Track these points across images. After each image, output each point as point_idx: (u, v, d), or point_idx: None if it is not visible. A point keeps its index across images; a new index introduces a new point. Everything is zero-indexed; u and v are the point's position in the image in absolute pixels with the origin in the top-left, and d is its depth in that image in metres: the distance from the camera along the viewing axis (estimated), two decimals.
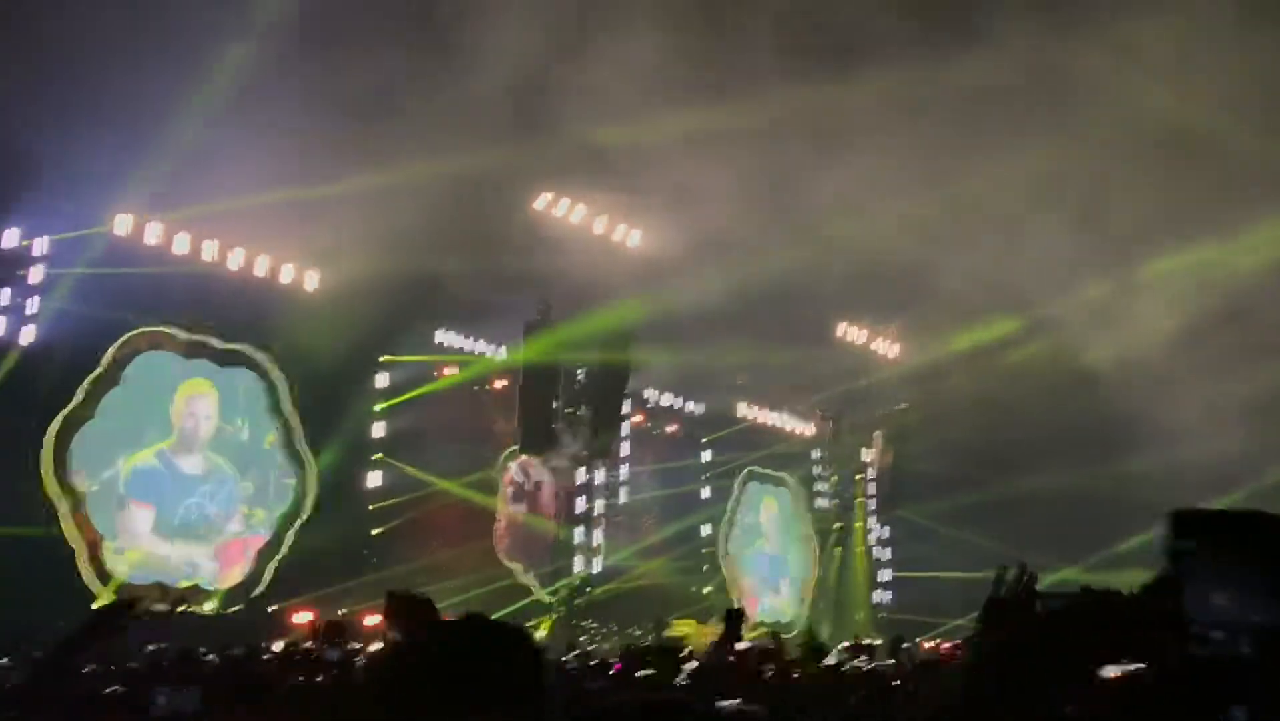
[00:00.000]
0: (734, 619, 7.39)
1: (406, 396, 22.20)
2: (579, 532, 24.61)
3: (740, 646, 7.32)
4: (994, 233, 21.34)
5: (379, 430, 22.12)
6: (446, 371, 23.33)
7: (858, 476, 32.30)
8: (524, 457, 24.19)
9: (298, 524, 20.46)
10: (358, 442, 21.61)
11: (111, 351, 18.32)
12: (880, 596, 31.76)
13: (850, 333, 29.79)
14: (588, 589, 24.13)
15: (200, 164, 16.31)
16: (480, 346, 23.70)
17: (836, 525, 31.77)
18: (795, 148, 20.00)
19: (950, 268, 22.72)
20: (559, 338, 22.53)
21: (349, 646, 8.24)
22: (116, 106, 15.34)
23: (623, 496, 26.19)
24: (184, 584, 18.92)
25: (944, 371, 26.57)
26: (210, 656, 9.22)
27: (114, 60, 15.01)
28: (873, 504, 32.43)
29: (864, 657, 10.22)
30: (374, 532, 21.60)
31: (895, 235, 22.16)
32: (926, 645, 18.71)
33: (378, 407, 22.09)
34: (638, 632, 22.64)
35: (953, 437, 27.14)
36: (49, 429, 17.39)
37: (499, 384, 23.96)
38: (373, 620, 17.87)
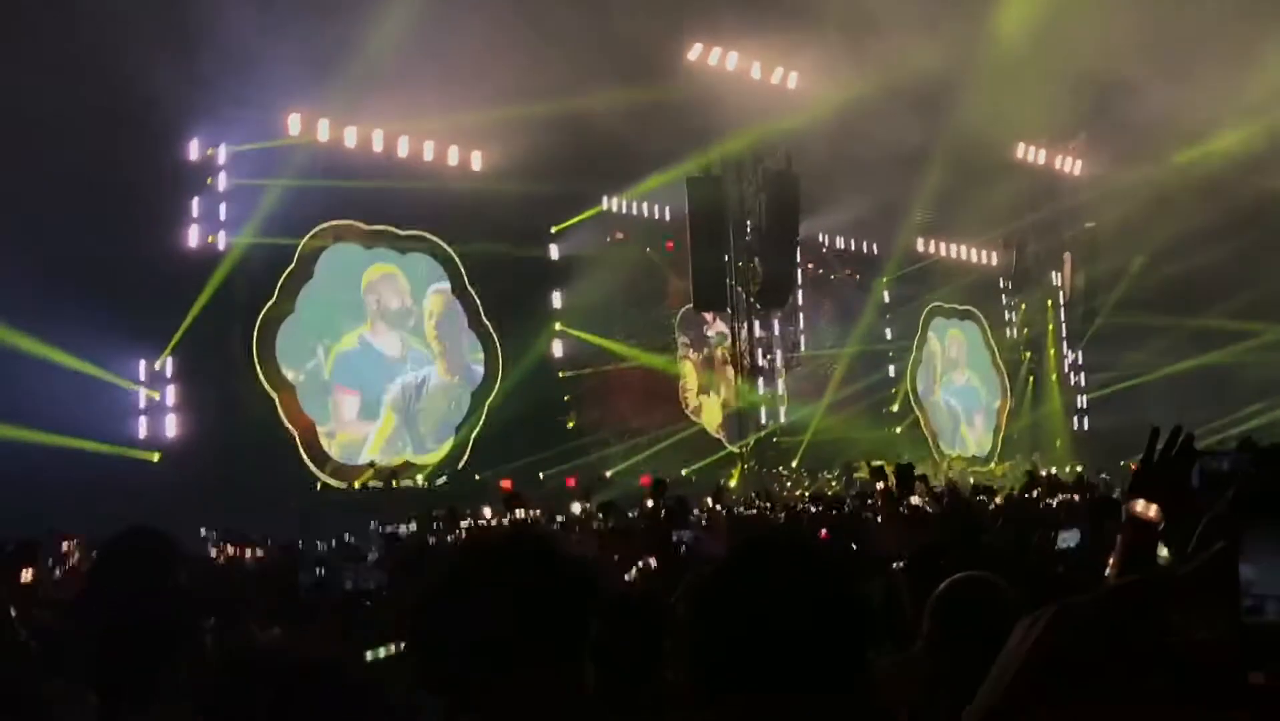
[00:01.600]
0: (904, 476, 7.17)
1: (580, 256, 22.47)
2: (762, 384, 24.71)
3: (915, 501, 7.18)
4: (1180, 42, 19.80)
5: (557, 300, 22.57)
6: (618, 236, 23.48)
7: (1048, 302, 31.18)
8: (702, 315, 24.27)
9: (491, 396, 21.25)
10: (539, 313, 22.14)
11: (299, 249, 19.17)
12: (1079, 422, 30.94)
13: (1030, 153, 28.38)
14: (775, 438, 24.33)
15: (361, 59, 16.58)
16: (648, 209, 23.67)
17: (1028, 354, 30.90)
18: None
19: (1134, 79, 21.24)
20: (725, 190, 22.29)
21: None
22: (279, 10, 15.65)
23: (803, 345, 26.09)
24: (396, 460, 20.05)
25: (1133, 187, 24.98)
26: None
27: None
28: (1065, 329, 31.33)
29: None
30: (565, 399, 22.28)
31: (1071, 45, 20.84)
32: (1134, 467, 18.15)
33: (554, 276, 22.50)
34: (829, 476, 22.84)
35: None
36: (255, 327, 18.45)
37: (669, 243, 23.96)
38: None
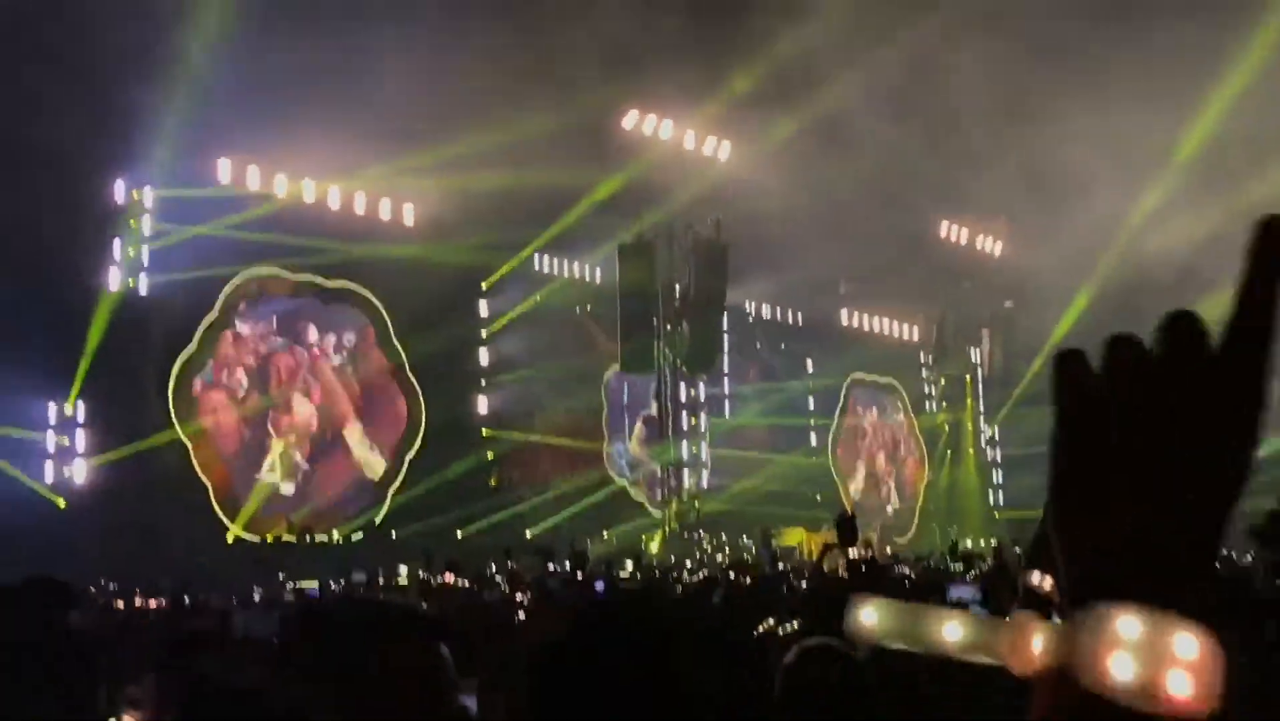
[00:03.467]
0: (845, 525, 7.09)
1: (509, 316, 22.47)
2: (686, 447, 24.80)
3: (853, 555, 7.15)
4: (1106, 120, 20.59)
5: (484, 357, 22.50)
6: (547, 297, 23.52)
7: (966, 377, 31.82)
8: (628, 376, 24.34)
9: (413, 452, 21.01)
10: (465, 370, 22.04)
11: (222, 297, 18.90)
12: (994, 496, 31.46)
13: (952, 231, 29.12)
14: (696, 502, 24.37)
15: (294, 108, 16.54)
16: (578, 269, 23.80)
17: (946, 427, 31.43)
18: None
19: (1057, 158, 21.99)
20: (655, 255, 22.52)
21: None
22: (209, 55, 15.61)
23: (727, 410, 26.28)
24: (307, 514, 19.66)
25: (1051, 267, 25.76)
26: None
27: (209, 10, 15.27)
28: (982, 404, 31.96)
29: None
30: (489, 457, 22.09)
31: (997, 126, 21.54)
32: None
33: (482, 334, 22.46)
34: (748, 542, 22.87)
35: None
36: (171, 373, 18.08)
37: (599, 304, 24.07)
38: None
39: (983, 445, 31.94)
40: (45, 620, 3.22)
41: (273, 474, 19.39)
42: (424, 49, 16.80)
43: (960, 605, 4.93)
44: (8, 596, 3.39)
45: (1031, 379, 29.01)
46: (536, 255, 22.93)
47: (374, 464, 20.84)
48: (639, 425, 25.46)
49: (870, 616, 0.68)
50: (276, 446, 19.58)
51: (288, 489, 19.51)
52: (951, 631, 0.65)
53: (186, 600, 9.90)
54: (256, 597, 11.83)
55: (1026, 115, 20.86)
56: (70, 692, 2.99)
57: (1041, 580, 2.21)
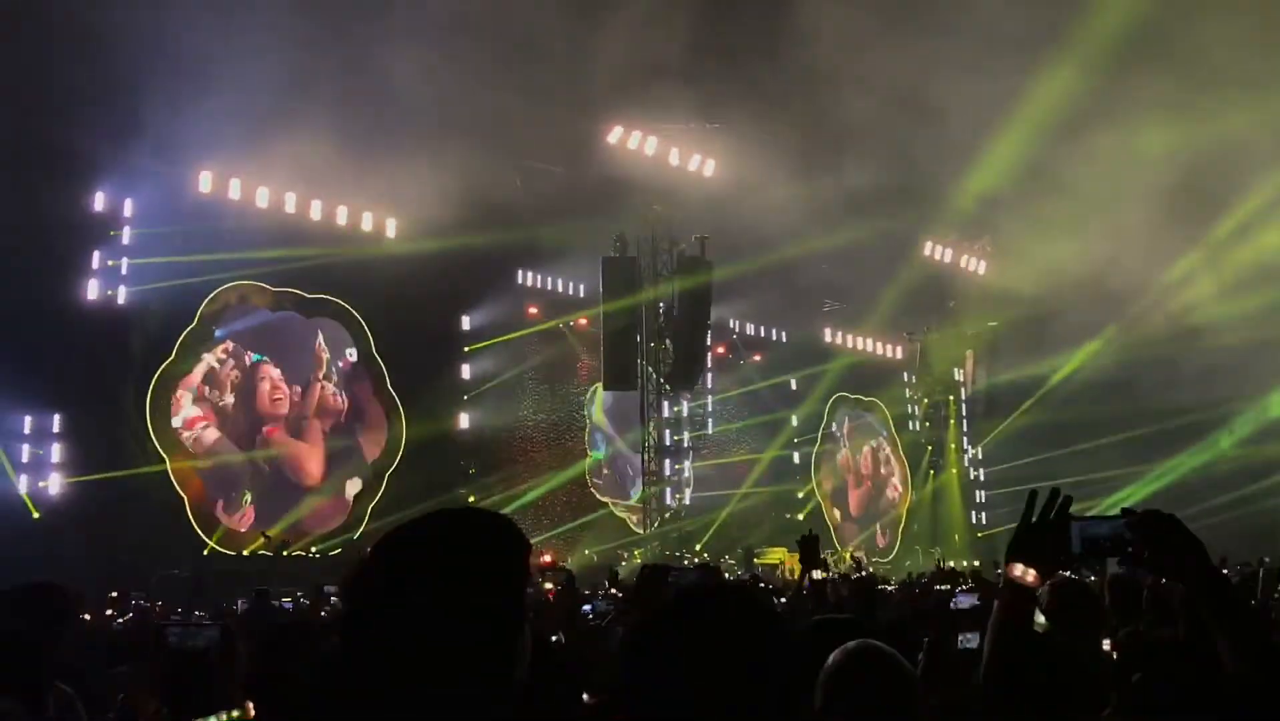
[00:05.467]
0: (807, 546, 6.93)
1: (492, 341, 22.41)
2: (669, 465, 24.71)
3: (817, 576, 7.00)
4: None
5: (466, 372, 22.41)
6: (531, 311, 23.46)
7: (950, 397, 31.82)
8: (611, 393, 24.28)
9: (393, 466, 20.88)
10: (446, 386, 21.92)
11: (202, 307, 18.77)
12: (977, 517, 31.43)
13: (937, 251, 29.15)
14: (679, 521, 24.28)
15: (277, 120, 16.48)
16: (561, 285, 23.74)
17: (929, 448, 31.42)
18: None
19: (1037, 183, 22.06)
20: (639, 271, 22.49)
21: None
22: (195, 68, 15.54)
23: (710, 427, 26.21)
24: (284, 529, 19.48)
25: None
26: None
27: (191, 23, 15.21)
28: (966, 424, 31.98)
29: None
30: (470, 472, 21.96)
31: (981, 149, 21.60)
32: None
33: (464, 350, 22.36)
34: (730, 561, 22.78)
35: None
36: (150, 385, 17.92)
37: (582, 320, 24.03)
38: None
39: (965, 465, 31.92)
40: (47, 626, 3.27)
41: (250, 488, 19.22)
42: (410, 64, 16.81)
43: (967, 612, 4.94)
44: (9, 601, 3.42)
45: (1015, 399, 29.12)
46: (520, 270, 22.88)
47: (353, 478, 20.68)
48: (621, 442, 25.37)
49: None
50: (254, 459, 19.41)
51: (265, 503, 19.33)
52: None
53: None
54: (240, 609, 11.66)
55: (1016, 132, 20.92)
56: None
57: (1024, 572, 2.27)
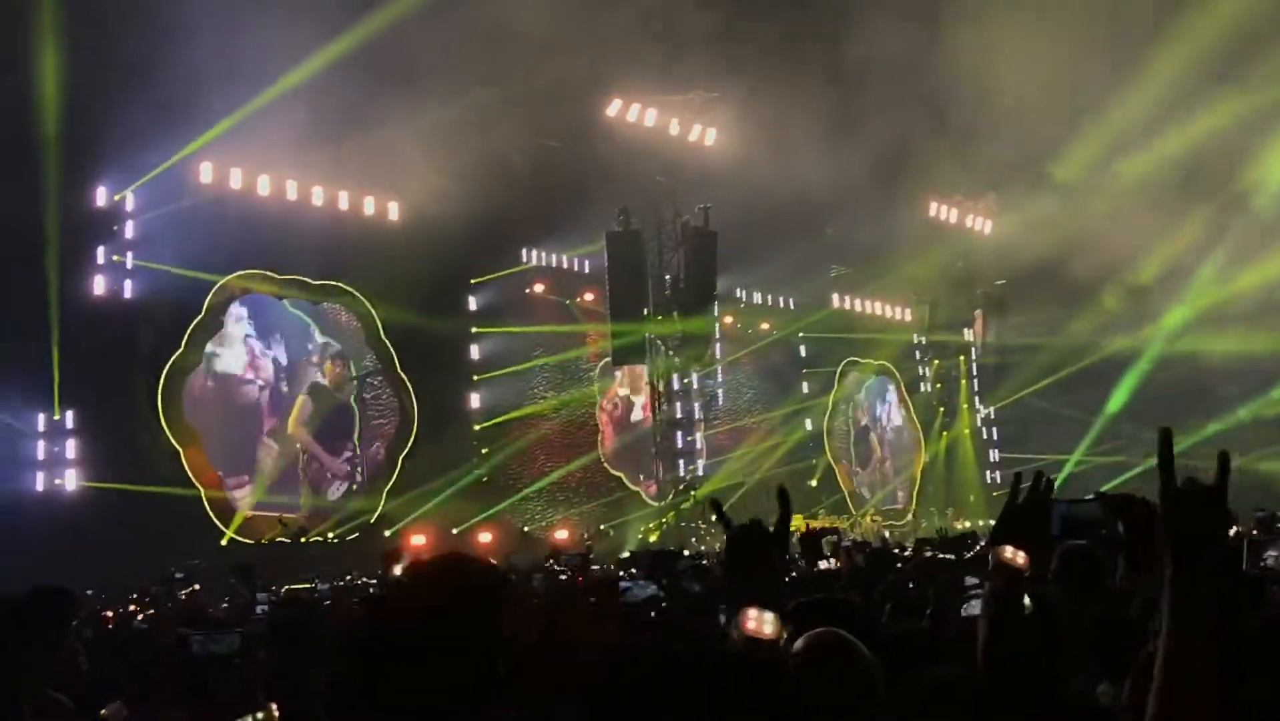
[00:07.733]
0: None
1: (503, 329, 22.42)
2: (680, 436, 24.72)
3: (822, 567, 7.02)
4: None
5: (475, 352, 22.41)
6: (537, 289, 23.41)
7: (960, 358, 31.74)
8: (620, 367, 24.25)
9: (406, 450, 20.92)
10: (456, 366, 21.94)
11: (208, 299, 18.77)
12: (991, 476, 31.42)
13: (942, 210, 28.98)
14: (693, 491, 24.29)
15: (275, 107, 16.42)
16: (567, 261, 23.69)
17: (941, 409, 31.37)
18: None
19: (1040, 135, 21.93)
20: (644, 245, 22.42)
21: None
22: (192, 59, 15.44)
23: (721, 398, 26.20)
24: (304, 514, 19.58)
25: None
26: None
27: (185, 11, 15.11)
28: (977, 384, 31.93)
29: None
30: (482, 452, 21.99)
31: (983, 104, 21.45)
32: None
33: (472, 330, 22.36)
34: None
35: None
36: (160, 379, 17.95)
37: (588, 296, 23.98)
38: (485, 537, 18.41)
39: (978, 425, 31.89)
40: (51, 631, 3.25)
41: (265, 476, 19.28)
42: (406, 44, 16.70)
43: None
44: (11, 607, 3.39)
45: (1026, 357, 29.05)
46: (524, 247, 22.83)
47: (367, 463, 20.75)
48: (630, 416, 25.39)
49: None
50: (268, 448, 19.48)
51: (280, 491, 19.39)
52: None
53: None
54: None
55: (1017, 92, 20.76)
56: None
57: (1014, 554, 2.26)
